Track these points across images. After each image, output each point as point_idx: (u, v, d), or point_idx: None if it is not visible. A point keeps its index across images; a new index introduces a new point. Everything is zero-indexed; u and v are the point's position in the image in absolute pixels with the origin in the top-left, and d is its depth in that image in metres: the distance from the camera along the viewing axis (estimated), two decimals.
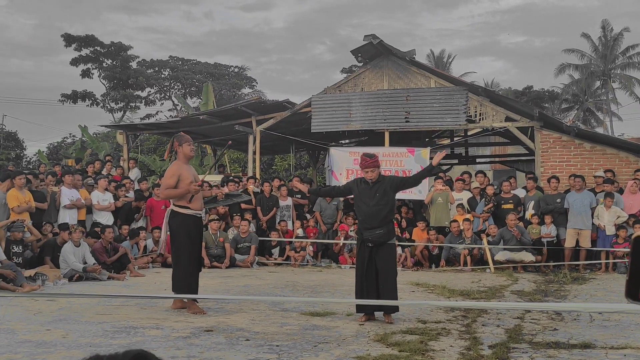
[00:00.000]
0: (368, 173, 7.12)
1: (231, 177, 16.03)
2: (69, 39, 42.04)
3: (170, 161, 11.39)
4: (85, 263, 10.61)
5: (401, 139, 16.83)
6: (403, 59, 15.66)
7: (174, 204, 7.57)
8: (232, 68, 51.56)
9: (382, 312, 7.00)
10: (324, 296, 8.91)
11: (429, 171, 7.75)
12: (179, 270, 7.47)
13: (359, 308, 7.09)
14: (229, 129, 17.15)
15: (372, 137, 18.32)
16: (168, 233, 7.76)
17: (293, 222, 14.71)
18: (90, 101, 42.38)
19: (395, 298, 6.94)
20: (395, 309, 6.98)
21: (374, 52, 15.64)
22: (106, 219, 13.09)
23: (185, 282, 7.41)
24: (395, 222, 7.43)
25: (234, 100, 39.05)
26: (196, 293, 7.49)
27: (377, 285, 6.93)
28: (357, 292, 7.14)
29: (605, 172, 13.79)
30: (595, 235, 12.73)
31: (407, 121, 15.67)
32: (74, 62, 42.77)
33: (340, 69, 56.99)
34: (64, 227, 11.33)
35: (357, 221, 7.35)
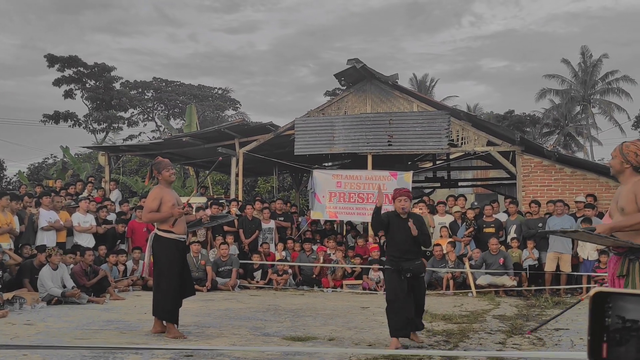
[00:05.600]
0: (401, 202, 7.24)
1: (214, 200, 15.93)
2: (52, 60, 41.89)
3: (151, 185, 11.34)
4: (64, 286, 10.45)
5: (384, 162, 16.89)
6: (386, 83, 15.78)
7: (157, 228, 7.52)
8: (216, 90, 51.68)
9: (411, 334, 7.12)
10: (306, 320, 8.84)
11: (376, 212, 7.44)
12: (159, 294, 7.40)
13: (396, 332, 6.93)
14: (212, 151, 17.12)
15: (355, 160, 18.37)
16: (151, 257, 7.69)
17: (275, 245, 14.64)
18: (73, 122, 42.15)
19: (421, 318, 7.36)
20: (422, 327, 7.35)
21: (357, 76, 15.74)
22: (87, 241, 12.94)
23: (166, 306, 7.34)
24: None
25: (218, 122, 39.04)
26: (177, 318, 7.42)
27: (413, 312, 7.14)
28: (395, 320, 6.94)
29: (587, 196, 13.90)
30: (576, 260, 12.79)
31: (389, 145, 15.74)
32: (57, 82, 42.58)
33: (323, 92, 57.23)
34: (41, 249, 11.18)
35: (389, 252, 7.37)
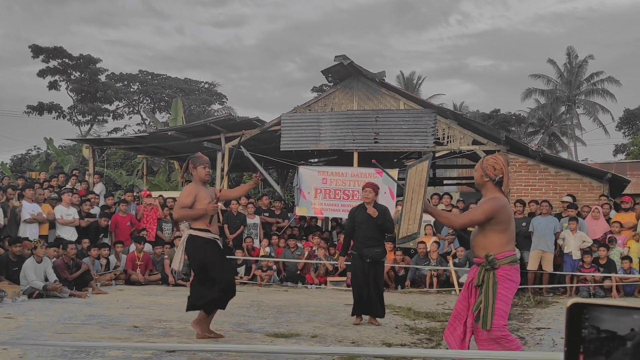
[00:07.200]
0: (365, 192, 8.34)
1: None
2: (36, 50, 41.47)
3: (182, 184, 11.04)
4: (46, 280, 10.37)
5: (370, 159, 16.85)
6: (373, 80, 15.79)
7: (192, 228, 7.06)
8: (202, 84, 51.43)
9: (369, 317, 8.28)
10: (289, 316, 8.85)
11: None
12: (212, 292, 6.93)
13: (355, 310, 8.29)
14: (197, 146, 17.04)
15: (341, 157, 18.38)
16: (185, 256, 7.20)
17: (260, 241, 14.61)
18: (57, 113, 41.79)
19: (384, 305, 8.29)
20: (382, 315, 8.26)
21: (345, 73, 15.73)
22: (70, 234, 12.85)
23: (210, 296, 6.92)
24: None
25: (204, 116, 38.88)
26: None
27: (368, 293, 8.17)
28: (356, 299, 8.26)
29: (566, 196, 14.04)
30: (559, 259, 12.88)
31: (376, 142, 15.76)
32: (41, 73, 42.18)
33: (310, 88, 57.22)
34: (13, 241, 11.00)
35: (355, 240, 8.47)
